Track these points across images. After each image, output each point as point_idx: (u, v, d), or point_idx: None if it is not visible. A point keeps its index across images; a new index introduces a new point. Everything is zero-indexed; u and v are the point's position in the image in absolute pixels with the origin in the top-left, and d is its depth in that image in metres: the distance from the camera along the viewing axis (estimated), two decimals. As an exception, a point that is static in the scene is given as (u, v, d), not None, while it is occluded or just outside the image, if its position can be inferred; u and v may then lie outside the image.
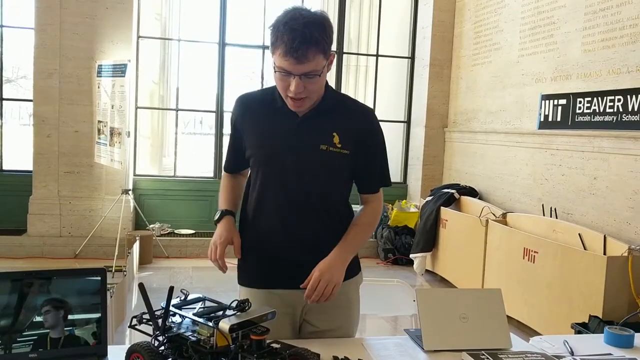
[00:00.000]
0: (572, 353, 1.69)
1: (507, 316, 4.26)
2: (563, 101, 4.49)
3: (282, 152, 1.67)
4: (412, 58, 6.89)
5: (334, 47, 6.92)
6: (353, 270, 1.80)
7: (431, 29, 6.46)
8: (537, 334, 3.89)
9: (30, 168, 5.87)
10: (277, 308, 1.46)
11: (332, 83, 7.00)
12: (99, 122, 5.76)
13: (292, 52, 1.51)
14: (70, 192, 5.86)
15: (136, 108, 6.25)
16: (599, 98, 4.11)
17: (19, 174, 6.15)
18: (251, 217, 1.77)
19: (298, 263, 1.70)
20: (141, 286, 1.48)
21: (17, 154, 7.21)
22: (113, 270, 5.24)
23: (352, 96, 7.50)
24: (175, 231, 6.22)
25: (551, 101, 4.64)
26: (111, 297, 3.02)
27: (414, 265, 5.67)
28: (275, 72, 1.59)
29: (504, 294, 4.52)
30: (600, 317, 3.30)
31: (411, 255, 5.72)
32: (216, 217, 1.76)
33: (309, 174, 1.68)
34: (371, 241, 6.45)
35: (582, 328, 3.16)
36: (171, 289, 1.44)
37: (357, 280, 1.84)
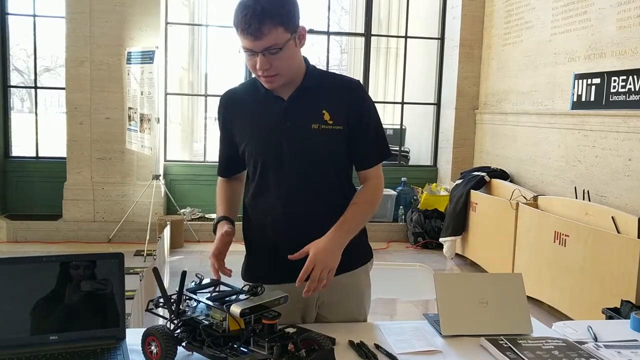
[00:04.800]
0: (595, 339, 1.65)
1: (538, 300, 4.23)
2: (597, 80, 4.35)
3: (275, 138, 1.64)
4: (441, 39, 6.76)
5: (361, 29, 6.81)
6: (364, 257, 1.77)
7: (461, 8, 6.32)
8: (568, 318, 3.82)
9: (65, 155, 6.00)
10: (286, 305, 1.43)
11: (360, 66, 7.01)
12: (130, 108, 5.84)
13: (247, 29, 1.48)
14: (103, 178, 5.98)
15: (166, 94, 6.31)
16: (635, 76, 3.96)
17: (55, 161, 6.30)
18: (253, 210, 1.74)
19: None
20: (155, 271, 1.49)
21: (57, 141, 7.37)
22: (145, 255, 5.35)
23: (383, 79, 7.40)
24: (206, 215, 6.29)
25: (584, 80, 4.49)
26: (141, 280, 3.08)
27: (444, 249, 5.62)
28: (239, 52, 1.58)
29: (535, 278, 4.49)
30: (633, 302, 3.21)
31: (441, 239, 5.67)
32: (213, 225, 1.74)
33: (305, 156, 1.64)
34: (400, 225, 6.42)
35: (613, 313, 3.09)
36: (184, 274, 1.45)
37: (368, 267, 1.80)
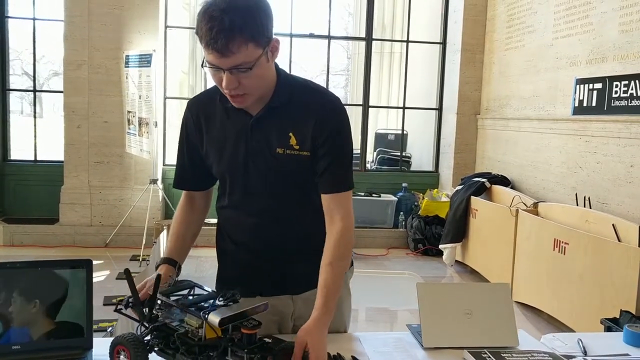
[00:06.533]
0: (585, 353, 1.57)
1: (537, 309, 4.14)
2: (598, 85, 4.27)
3: (240, 159, 1.53)
4: (443, 43, 6.70)
5: (361, 34, 6.73)
6: None
7: (463, 12, 6.26)
8: (568, 328, 3.74)
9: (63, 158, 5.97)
10: (262, 316, 1.36)
11: (360, 70, 6.94)
12: (128, 112, 5.81)
13: (212, 44, 1.31)
14: (101, 182, 5.94)
15: (165, 98, 6.27)
16: (637, 81, 3.88)
17: (53, 164, 6.27)
18: (224, 221, 1.67)
19: (279, 270, 1.60)
20: (127, 272, 1.40)
21: (58, 145, 7.36)
22: (140, 260, 5.30)
23: (387, 83, 7.16)
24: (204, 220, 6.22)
25: (586, 85, 4.42)
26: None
27: (444, 256, 5.54)
28: (202, 66, 1.40)
29: (534, 287, 4.40)
30: (633, 312, 3.13)
31: (440, 246, 5.59)
32: (156, 264, 1.60)
33: (271, 179, 1.54)
34: (401, 231, 6.34)
35: (612, 324, 3.00)
36: (158, 277, 1.38)
37: (347, 277, 1.72)
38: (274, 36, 1.42)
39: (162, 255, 1.62)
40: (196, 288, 1.44)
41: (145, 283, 1.47)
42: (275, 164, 1.52)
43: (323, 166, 1.52)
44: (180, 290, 1.42)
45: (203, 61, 1.39)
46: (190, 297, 1.40)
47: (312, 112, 1.51)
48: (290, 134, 1.51)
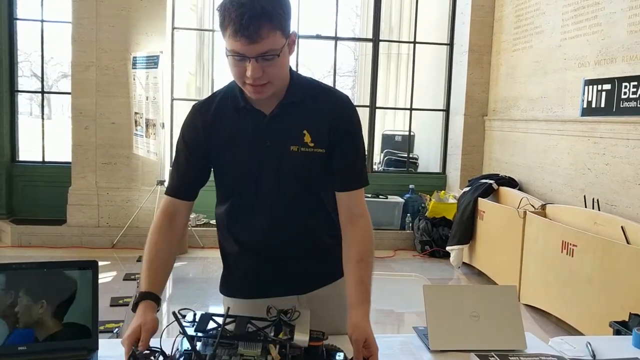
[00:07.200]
0: (594, 356, 1.56)
1: (545, 312, 4.11)
2: (607, 86, 4.24)
3: (253, 158, 1.52)
4: (451, 44, 6.68)
5: (368, 35, 6.73)
6: None
7: (470, 13, 6.24)
8: (576, 331, 3.71)
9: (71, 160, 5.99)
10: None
11: (368, 71, 6.93)
12: (136, 113, 5.83)
13: (242, 30, 1.31)
14: (108, 183, 5.96)
15: (172, 99, 6.29)
16: (646, 82, 3.86)
17: (60, 166, 6.29)
18: (229, 227, 1.64)
19: (285, 270, 1.59)
20: (175, 315, 1.32)
21: (66, 146, 7.40)
22: (147, 260, 5.31)
23: (394, 85, 7.17)
24: (211, 222, 6.24)
25: (594, 86, 4.39)
26: (137, 287, 3.03)
27: (451, 258, 5.52)
28: (227, 56, 1.38)
29: (542, 289, 4.37)
30: (643, 315, 3.09)
31: (447, 248, 5.57)
32: (132, 303, 1.47)
33: (283, 178, 1.53)
34: (408, 233, 6.33)
35: (621, 327, 2.96)
36: (227, 310, 1.33)
37: None
38: (291, 30, 1.44)
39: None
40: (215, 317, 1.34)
41: (138, 327, 1.34)
42: (288, 161, 1.52)
43: (338, 165, 1.55)
44: (207, 326, 1.31)
45: (226, 51, 1.40)
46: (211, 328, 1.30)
47: (325, 112, 1.53)
48: (305, 132, 1.51)
